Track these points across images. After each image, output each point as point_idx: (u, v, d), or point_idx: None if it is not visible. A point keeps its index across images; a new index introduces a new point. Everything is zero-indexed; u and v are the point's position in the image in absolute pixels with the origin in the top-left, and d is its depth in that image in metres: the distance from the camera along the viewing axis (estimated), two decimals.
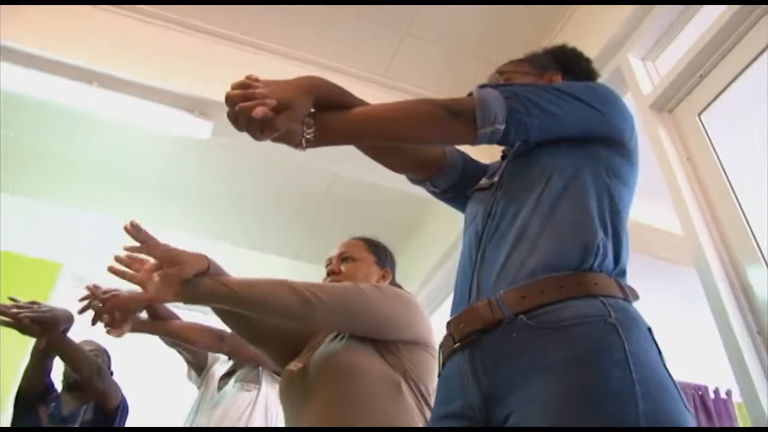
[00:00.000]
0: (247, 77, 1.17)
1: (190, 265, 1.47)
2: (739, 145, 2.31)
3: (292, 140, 1.20)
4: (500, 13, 3.14)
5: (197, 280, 1.49)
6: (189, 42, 3.28)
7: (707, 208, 2.21)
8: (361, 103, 1.28)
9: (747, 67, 2.19)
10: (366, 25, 3.29)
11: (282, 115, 1.13)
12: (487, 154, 1.75)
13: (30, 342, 3.30)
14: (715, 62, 2.30)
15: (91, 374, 2.79)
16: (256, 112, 1.09)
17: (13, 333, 2.81)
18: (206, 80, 3.16)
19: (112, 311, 1.70)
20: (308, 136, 1.20)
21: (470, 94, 1.27)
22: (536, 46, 1.69)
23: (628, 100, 2.63)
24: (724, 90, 2.27)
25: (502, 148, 1.51)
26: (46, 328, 2.44)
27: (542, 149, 1.33)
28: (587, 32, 2.92)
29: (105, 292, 1.84)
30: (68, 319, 2.54)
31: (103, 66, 3.02)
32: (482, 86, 1.28)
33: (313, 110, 1.22)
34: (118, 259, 1.61)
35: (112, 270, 1.59)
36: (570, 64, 1.60)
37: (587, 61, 1.64)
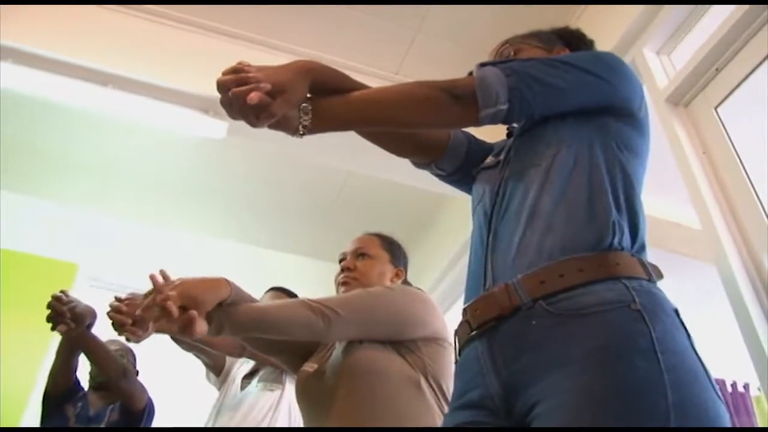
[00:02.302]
0: (239, 63, 1.13)
1: (209, 303, 1.41)
2: (756, 139, 2.28)
3: (289, 127, 1.16)
4: (513, 8, 3.13)
5: (218, 314, 1.45)
6: (202, 42, 3.29)
7: (725, 202, 2.18)
8: (360, 86, 1.24)
9: (764, 59, 2.16)
10: (378, 22, 3.29)
11: (278, 99, 1.09)
12: (494, 132, 1.73)
13: (50, 342, 3.33)
14: (732, 55, 2.27)
15: (117, 375, 2.79)
16: (250, 97, 1.05)
17: (32, 333, 2.83)
18: None
19: (127, 321, 1.69)
20: (305, 123, 1.16)
21: (471, 74, 1.22)
22: None
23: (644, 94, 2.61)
24: (740, 83, 2.25)
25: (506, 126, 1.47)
26: (76, 323, 2.39)
27: (548, 123, 1.28)
28: (601, 26, 2.90)
29: (121, 300, 1.83)
30: (92, 314, 2.52)
31: (118, 68, 3.04)
32: (482, 64, 1.23)
33: (309, 96, 1.18)
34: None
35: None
36: (575, 43, 1.55)
37: (591, 42, 1.59)
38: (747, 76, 2.23)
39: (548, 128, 1.28)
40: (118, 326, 1.67)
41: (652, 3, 2.59)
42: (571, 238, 1.12)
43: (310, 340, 1.79)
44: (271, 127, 1.14)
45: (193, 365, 2.96)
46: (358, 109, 1.21)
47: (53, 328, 2.35)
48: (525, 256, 1.13)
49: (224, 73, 1.11)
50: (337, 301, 1.62)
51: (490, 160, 1.46)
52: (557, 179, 1.20)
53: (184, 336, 1.39)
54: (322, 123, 1.18)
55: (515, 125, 1.43)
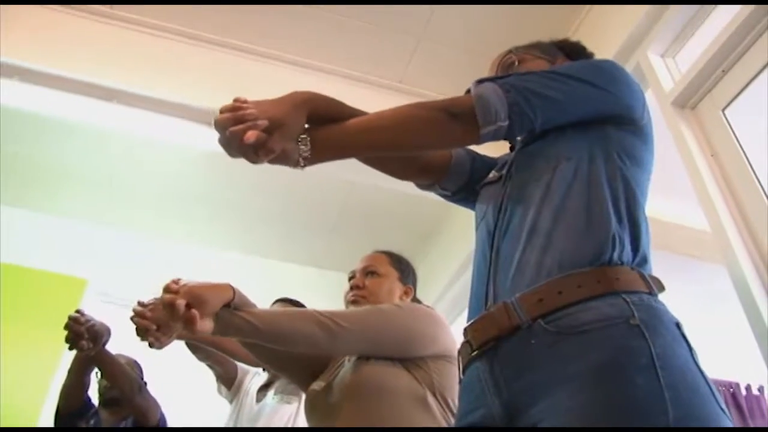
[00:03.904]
0: (235, 100, 1.13)
1: (213, 303, 1.46)
2: (764, 139, 2.27)
3: (289, 160, 1.15)
4: (516, 13, 3.12)
5: (224, 315, 1.48)
6: (202, 55, 3.30)
7: (734, 204, 2.17)
8: (358, 113, 1.23)
9: None
10: (380, 31, 3.29)
11: (276, 134, 1.09)
12: (497, 147, 1.73)
13: (60, 357, 3.32)
14: (738, 56, 2.26)
15: (132, 391, 2.79)
16: (248, 136, 1.05)
17: (42, 348, 2.80)
18: (223, 93, 3.14)
19: (152, 327, 1.71)
20: (305, 155, 1.15)
21: (468, 92, 1.21)
22: None
23: (650, 97, 2.60)
24: (748, 84, 2.23)
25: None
26: (94, 342, 2.39)
27: (548, 137, 1.27)
28: (605, 30, 2.89)
29: (145, 305, 1.84)
30: (108, 332, 2.52)
31: (122, 83, 3.05)
32: (480, 81, 1.22)
33: (307, 126, 1.17)
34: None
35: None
36: (576, 55, 1.54)
37: (592, 55, 1.58)
38: (754, 78, 2.21)
39: (548, 142, 1.27)
40: (142, 332, 1.68)
41: (655, 3, 2.58)
42: (570, 254, 1.11)
43: (312, 352, 1.79)
44: (271, 161, 1.13)
45: (202, 379, 2.96)
46: (358, 135, 1.20)
47: (71, 348, 2.36)
48: (524, 275, 1.13)
49: (221, 111, 1.11)
50: (344, 315, 1.62)
51: (492, 175, 1.45)
52: (557, 194, 1.19)
53: (187, 331, 1.44)
54: (322, 153, 1.17)
55: (518, 139, 1.42)
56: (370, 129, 1.20)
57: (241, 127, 1.07)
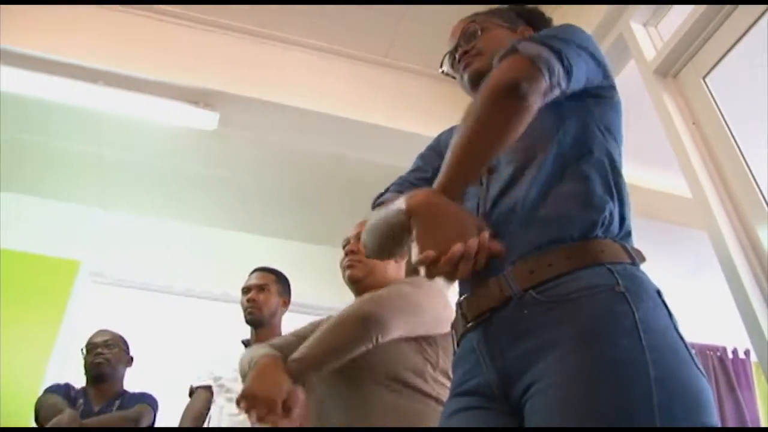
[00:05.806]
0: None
1: None
2: (745, 106, 2.29)
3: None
4: None
5: (293, 370, 1.58)
6: (189, 34, 3.28)
7: (715, 171, 2.20)
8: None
9: (750, 27, 2.16)
10: (363, 5, 3.27)
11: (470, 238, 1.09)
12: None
13: (54, 340, 3.33)
14: (718, 24, 2.27)
15: (135, 425, 2.79)
16: (494, 246, 1.10)
17: (37, 332, 2.77)
18: (209, 71, 3.17)
19: None
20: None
21: (512, 52, 1.16)
22: None
23: (632, 66, 2.62)
24: (727, 52, 2.25)
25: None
26: None
27: None
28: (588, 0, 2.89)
29: None
30: (75, 420, 2.52)
31: (106, 64, 3.04)
32: (518, 43, 1.16)
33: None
34: None
35: None
36: (535, 21, 1.54)
37: (550, 20, 1.57)
38: (733, 45, 2.23)
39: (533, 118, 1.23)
40: None
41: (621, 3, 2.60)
42: (560, 229, 1.14)
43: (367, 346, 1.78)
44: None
45: (187, 353, 2.95)
46: (462, 159, 1.17)
47: None
48: (514, 249, 1.15)
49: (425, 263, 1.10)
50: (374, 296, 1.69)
51: None
52: (547, 170, 1.20)
53: None
54: (463, 185, 1.20)
55: None
56: (469, 144, 1.17)
57: (474, 255, 1.09)
